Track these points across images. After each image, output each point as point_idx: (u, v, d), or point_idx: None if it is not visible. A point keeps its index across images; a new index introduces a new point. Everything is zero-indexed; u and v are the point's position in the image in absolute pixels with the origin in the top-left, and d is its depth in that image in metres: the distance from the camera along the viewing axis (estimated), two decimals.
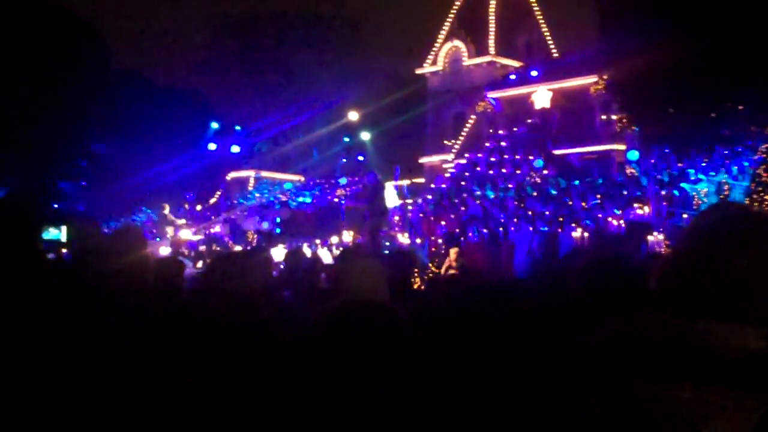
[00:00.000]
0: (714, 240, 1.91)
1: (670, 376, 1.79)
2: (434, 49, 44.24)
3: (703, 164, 21.54)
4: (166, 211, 28.11)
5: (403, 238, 24.79)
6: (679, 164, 22.46)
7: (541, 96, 36.47)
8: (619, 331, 1.94)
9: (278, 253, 15.83)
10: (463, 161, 34.82)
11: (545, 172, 28.54)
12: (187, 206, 39.31)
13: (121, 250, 4.61)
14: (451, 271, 17.92)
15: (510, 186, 27.04)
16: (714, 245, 1.90)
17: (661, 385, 1.80)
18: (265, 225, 31.40)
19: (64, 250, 12.30)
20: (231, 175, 47.95)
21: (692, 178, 21.50)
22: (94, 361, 3.84)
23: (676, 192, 21.10)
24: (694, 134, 21.11)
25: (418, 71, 45.06)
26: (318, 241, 26.40)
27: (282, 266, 9.44)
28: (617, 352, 1.89)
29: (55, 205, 32.65)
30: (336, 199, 34.53)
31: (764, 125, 20.11)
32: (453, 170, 35.24)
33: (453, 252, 18.95)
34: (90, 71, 35.79)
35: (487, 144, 34.68)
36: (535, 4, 44.74)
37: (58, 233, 20.95)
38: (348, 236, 26.19)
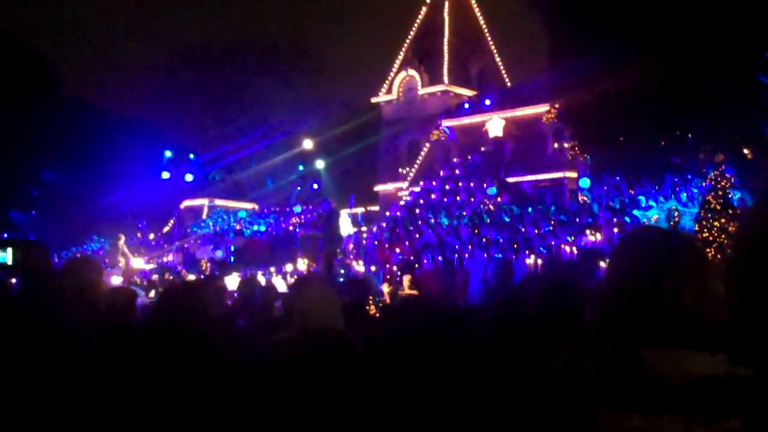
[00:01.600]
0: (653, 271, 1.93)
1: (622, 405, 1.81)
2: (389, 78, 44.47)
3: (654, 191, 21.86)
4: (122, 241, 27.81)
5: (358, 266, 24.77)
6: (630, 191, 22.77)
7: (495, 124, 36.79)
8: (571, 359, 1.95)
9: (232, 281, 15.71)
10: (418, 189, 34.97)
11: (499, 199, 28.74)
12: (139, 235, 38.97)
13: (74, 279, 4.56)
14: (404, 292, 17.94)
15: (464, 213, 27.18)
16: (657, 275, 1.92)
17: (613, 413, 1.81)
18: (219, 253, 31.20)
19: (13, 280, 12.07)
20: (184, 204, 47.61)
21: (643, 205, 21.80)
22: (41, 389, 3.78)
23: (627, 219, 21.36)
24: (644, 162, 21.41)
25: (373, 100, 45.24)
26: (272, 270, 26.27)
27: (236, 295, 9.39)
28: (569, 381, 1.90)
29: (5, 235, 32.14)
30: (290, 227, 34.45)
31: (712, 153, 20.47)
32: (407, 198, 35.35)
33: (406, 279, 18.97)
34: (41, 100, 35.46)
35: (441, 172, 34.87)
36: (489, 34, 45.26)
37: (4, 256, 20.59)
38: (302, 264, 26.10)
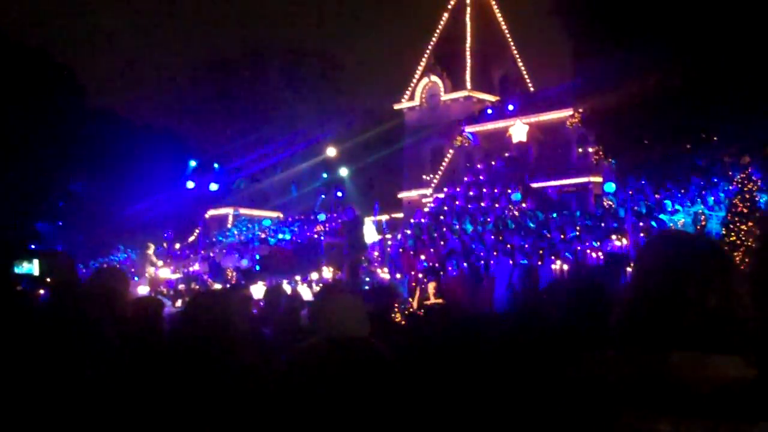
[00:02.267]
0: (677, 275, 1.91)
1: (650, 410, 1.79)
2: (411, 84, 44.50)
3: (680, 195, 21.69)
4: (151, 250, 27.92)
5: (383, 274, 24.76)
6: (656, 195, 22.61)
7: (518, 130, 36.74)
8: (597, 365, 1.94)
9: (258, 290, 15.76)
10: (442, 195, 34.93)
11: (523, 205, 28.64)
12: (165, 245, 39.16)
13: (101, 289, 4.59)
14: (430, 302, 17.92)
15: (489, 219, 27.10)
16: (679, 280, 1.90)
17: (640, 418, 1.80)
18: (245, 262, 31.27)
19: (41, 291, 12.17)
20: (209, 213, 47.82)
21: (669, 209, 21.62)
22: (70, 396, 3.80)
23: (653, 223, 21.19)
24: (669, 165, 21.29)
25: (396, 107, 45.26)
26: (298, 278, 26.29)
27: (261, 303, 9.41)
28: (596, 387, 1.89)
29: (32, 246, 32.40)
30: (315, 236, 34.48)
31: (739, 155, 20.30)
32: (432, 205, 35.32)
33: (431, 286, 18.94)
34: (66, 111, 35.74)
35: (465, 178, 34.83)
36: (511, 40, 45.20)
37: (30, 267, 20.78)
38: (328, 272, 26.12)
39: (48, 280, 18.06)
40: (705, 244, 2.00)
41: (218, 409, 3.81)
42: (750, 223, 18.06)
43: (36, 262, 20.94)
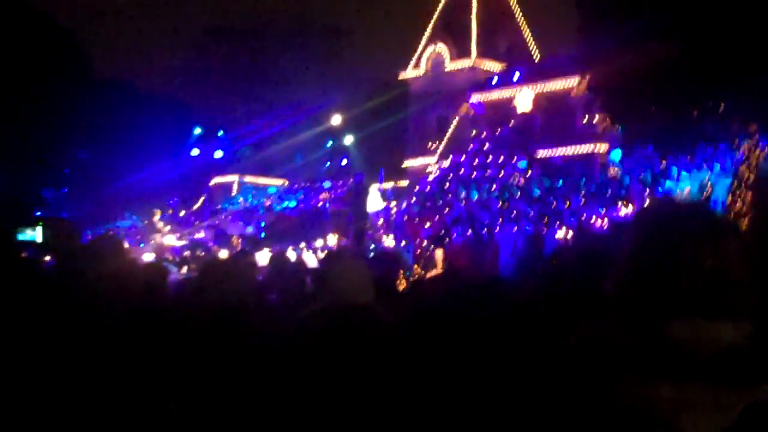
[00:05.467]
0: (672, 240, 1.92)
1: (650, 375, 1.80)
2: (416, 52, 44.27)
3: (686, 162, 21.64)
4: (156, 217, 27.99)
5: (388, 241, 24.79)
6: (662, 163, 22.55)
7: (524, 98, 36.55)
8: (596, 332, 1.95)
9: (263, 257, 15.79)
10: (447, 163, 34.85)
11: (529, 173, 28.58)
12: (170, 212, 39.22)
13: (104, 257, 4.59)
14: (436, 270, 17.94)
15: (494, 187, 27.06)
16: (673, 245, 1.91)
17: (641, 383, 1.81)
18: (250, 229, 31.35)
19: (47, 258, 12.20)
20: (215, 180, 47.83)
21: (675, 176, 21.58)
22: (79, 364, 3.82)
23: (659, 190, 21.17)
24: (676, 133, 21.20)
25: (401, 75, 45.07)
26: (303, 245, 26.36)
27: (266, 270, 9.43)
28: (596, 354, 1.90)
29: (38, 213, 32.47)
30: (320, 203, 34.51)
31: (746, 123, 20.22)
32: (437, 173, 35.26)
33: (439, 253, 18.96)
34: (72, 79, 35.66)
35: (471, 146, 34.71)
36: (517, 8, 44.86)
37: (33, 235, 20.80)
38: (333, 239, 26.17)
39: (53, 247, 18.10)
40: (698, 209, 2.02)
41: (227, 372, 3.83)
42: None
43: (39, 229, 20.97)
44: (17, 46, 33.09)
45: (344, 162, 42.27)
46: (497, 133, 34.79)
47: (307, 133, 49.29)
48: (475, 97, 39.27)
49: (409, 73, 44.51)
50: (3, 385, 3.65)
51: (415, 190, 32.50)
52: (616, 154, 25.53)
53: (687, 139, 21.55)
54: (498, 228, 22.01)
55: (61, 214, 36.50)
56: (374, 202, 27.04)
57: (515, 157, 30.35)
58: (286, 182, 46.66)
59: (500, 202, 24.19)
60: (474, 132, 37.34)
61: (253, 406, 3.82)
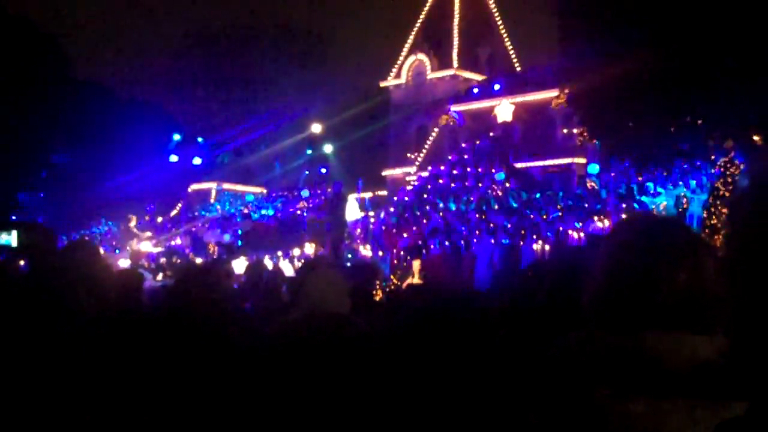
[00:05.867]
0: (647, 254, 1.93)
1: (625, 390, 1.80)
2: (398, 62, 44.37)
3: (663, 177, 21.78)
4: (132, 223, 27.81)
5: (366, 251, 24.78)
6: (639, 178, 22.69)
7: (504, 109, 36.71)
8: (570, 346, 1.95)
9: (239, 265, 15.76)
10: (426, 174, 34.93)
11: (507, 184, 28.68)
12: (147, 218, 39.04)
13: (79, 263, 4.56)
14: (412, 280, 17.95)
15: (472, 199, 27.13)
16: (649, 259, 1.92)
17: (616, 398, 1.81)
18: (227, 237, 31.24)
19: (21, 262, 12.10)
20: (192, 187, 47.67)
21: (651, 191, 21.72)
22: (53, 371, 3.79)
23: (635, 205, 21.29)
24: (653, 148, 21.33)
25: (382, 84, 45.16)
26: (279, 254, 26.31)
27: (243, 278, 9.40)
28: (570, 367, 1.90)
29: (13, 217, 32.20)
30: (298, 212, 34.45)
31: (722, 139, 20.37)
32: (415, 183, 35.32)
33: (416, 265, 18.98)
34: (51, 82, 35.43)
35: (450, 157, 34.81)
36: (499, 19, 45.07)
37: (9, 239, 20.62)
38: (310, 248, 26.12)
39: (28, 251, 17.95)
40: (674, 223, 2.03)
41: (197, 380, 3.81)
42: None
43: (14, 233, 20.81)
44: None
45: (323, 170, 42.23)
46: (476, 144, 34.91)
47: (287, 141, 49.24)
48: (455, 108, 39.40)
49: (390, 82, 44.60)
50: None
51: (394, 200, 32.55)
52: (594, 168, 25.68)
53: (664, 155, 21.69)
54: (475, 240, 22.05)
55: (37, 218, 36.24)
56: (352, 211, 27.05)
57: (494, 169, 30.46)
58: (265, 190, 46.58)
59: (478, 214, 24.25)
60: (453, 143, 37.48)
61: (228, 414, 3.80)
